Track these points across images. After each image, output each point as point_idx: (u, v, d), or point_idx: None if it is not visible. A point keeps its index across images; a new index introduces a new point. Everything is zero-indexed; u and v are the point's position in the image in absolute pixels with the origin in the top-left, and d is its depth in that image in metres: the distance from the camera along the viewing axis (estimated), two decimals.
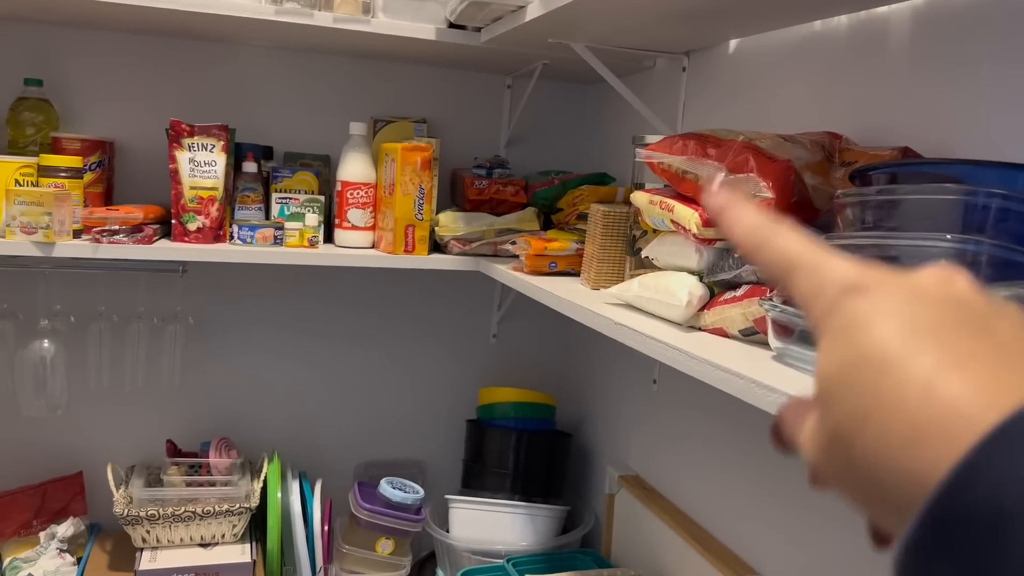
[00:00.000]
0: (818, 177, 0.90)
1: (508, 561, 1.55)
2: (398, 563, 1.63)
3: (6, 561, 1.48)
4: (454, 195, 1.72)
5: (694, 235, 0.93)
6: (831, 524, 1.07)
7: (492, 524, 1.64)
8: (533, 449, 1.71)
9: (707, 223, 0.91)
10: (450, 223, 1.57)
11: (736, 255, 0.91)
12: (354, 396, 1.83)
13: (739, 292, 0.90)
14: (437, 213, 1.59)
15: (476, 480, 1.72)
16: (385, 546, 1.62)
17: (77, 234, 1.38)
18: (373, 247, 1.58)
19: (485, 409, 1.78)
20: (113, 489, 1.51)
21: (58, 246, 1.32)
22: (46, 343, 1.47)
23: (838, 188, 0.86)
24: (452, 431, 1.88)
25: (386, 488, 1.64)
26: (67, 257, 1.33)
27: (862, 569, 1.01)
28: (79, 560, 1.52)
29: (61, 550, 1.51)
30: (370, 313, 1.82)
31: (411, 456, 1.88)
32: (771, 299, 0.80)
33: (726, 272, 0.92)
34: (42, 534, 1.52)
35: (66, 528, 1.54)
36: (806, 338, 0.77)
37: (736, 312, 0.88)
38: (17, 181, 1.34)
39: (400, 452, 1.87)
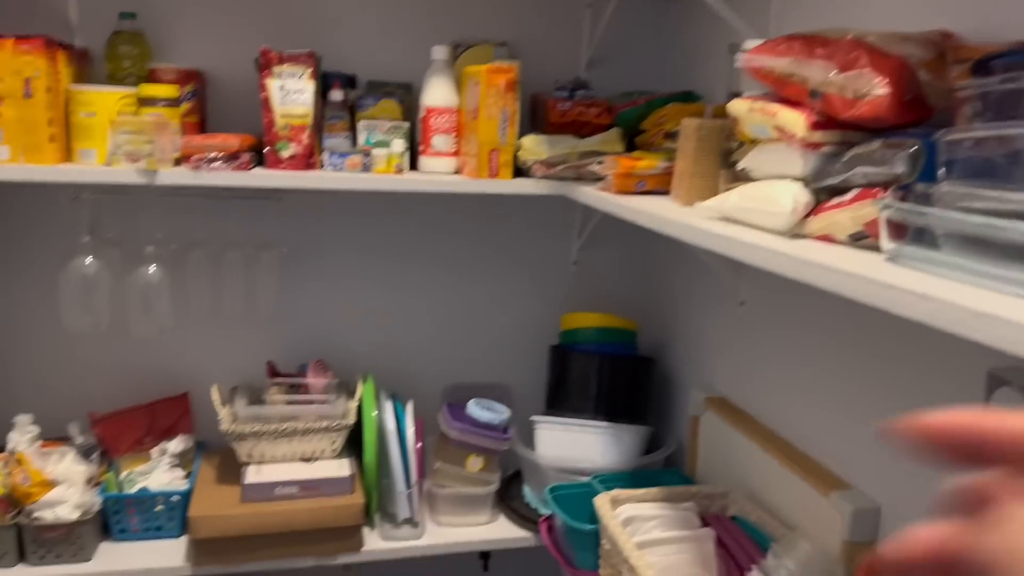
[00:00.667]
0: (932, 75, 0.87)
1: (594, 478, 1.58)
2: (487, 479, 1.68)
3: (123, 474, 1.58)
4: (535, 120, 1.71)
5: (800, 139, 0.91)
6: None
7: (577, 444, 1.68)
8: (616, 373, 1.72)
9: (815, 126, 0.89)
10: (533, 147, 1.56)
11: (845, 159, 0.89)
12: (440, 321, 1.87)
13: (848, 196, 0.88)
14: (519, 138, 1.59)
15: (560, 403, 1.76)
16: (475, 463, 1.68)
17: (177, 163, 1.43)
18: (457, 173, 1.60)
19: (567, 334, 1.80)
20: (219, 408, 1.59)
21: (160, 174, 1.37)
22: (151, 268, 1.54)
23: (954, 85, 0.82)
24: (535, 356, 1.91)
25: (474, 408, 1.69)
26: (168, 185, 1.38)
27: None
28: (189, 475, 1.62)
29: (172, 465, 1.61)
30: (454, 241, 1.84)
31: (496, 380, 1.92)
32: (886, 199, 0.79)
33: (833, 177, 0.90)
34: (154, 450, 1.61)
35: (176, 445, 1.63)
36: (921, 238, 0.76)
37: (845, 217, 0.87)
38: (119, 111, 1.39)
39: (485, 376, 1.91)
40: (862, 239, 0.86)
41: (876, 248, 0.84)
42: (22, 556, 1.46)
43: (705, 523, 1.39)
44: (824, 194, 0.92)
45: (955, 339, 0.63)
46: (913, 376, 1.10)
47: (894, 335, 1.13)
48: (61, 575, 1.44)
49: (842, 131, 0.91)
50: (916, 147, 0.82)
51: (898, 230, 0.78)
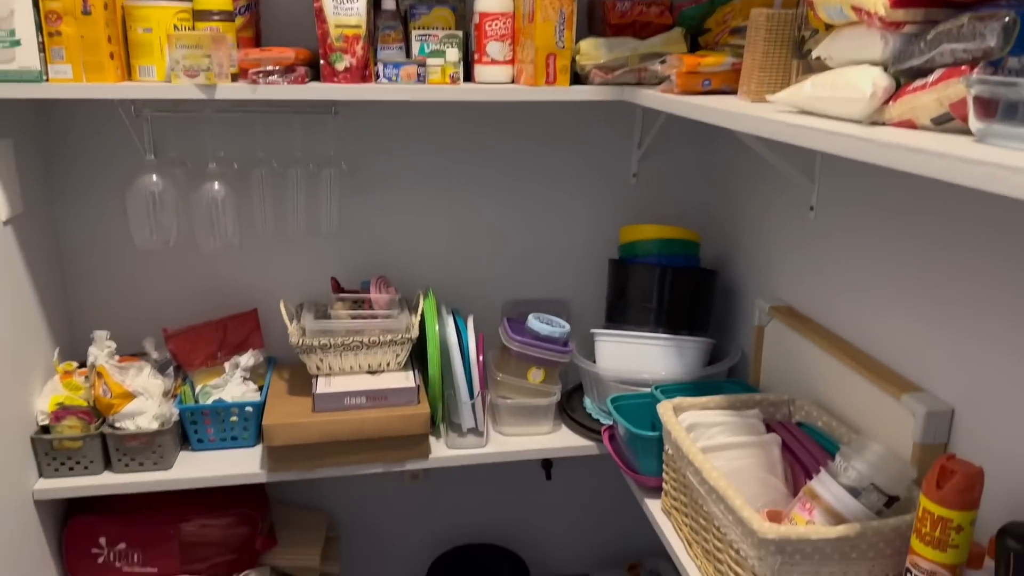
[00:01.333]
0: None
1: (656, 388, 1.58)
2: (548, 390, 1.70)
3: (198, 388, 1.64)
4: (592, 23, 1.65)
5: (880, 19, 0.86)
6: (999, 335, 1.02)
7: (637, 355, 1.67)
8: (677, 285, 1.70)
9: (896, 3, 0.84)
10: (591, 50, 1.52)
11: (929, 37, 0.84)
12: (498, 237, 1.86)
13: (932, 78, 0.83)
14: (576, 42, 1.54)
15: (620, 316, 1.74)
16: (536, 375, 1.69)
17: (234, 78, 1.42)
18: (513, 82, 1.56)
19: (627, 247, 1.78)
20: (287, 322, 1.63)
21: (219, 88, 1.37)
22: (216, 185, 1.56)
23: None
24: (594, 271, 1.90)
25: (534, 322, 1.69)
26: (227, 100, 1.38)
27: None
28: (261, 388, 1.67)
29: (244, 378, 1.66)
30: (511, 155, 1.82)
31: (555, 295, 1.92)
32: (975, 76, 0.74)
33: (916, 58, 0.85)
34: (226, 364, 1.67)
35: (247, 359, 1.68)
36: (1013, 115, 0.72)
37: (929, 99, 0.82)
38: (175, 26, 1.39)
39: (545, 291, 1.91)
40: (946, 122, 0.82)
41: (961, 131, 0.80)
42: (108, 464, 1.53)
43: (770, 430, 1.39)
44: (905, 77, 0.87)
45: None
46: (993, 270, 1.05)
47: (974, 227, 1.08)
48: (144, 482, 1.52)
49: (926, 8, 0.86)
50: (1009, 18, 0.76)
51: (988, 108, 0.73)
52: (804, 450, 1.32)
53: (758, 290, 1.69)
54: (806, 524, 1.10)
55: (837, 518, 1.10)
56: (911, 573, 1.00)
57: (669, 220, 1.84)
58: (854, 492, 1.10)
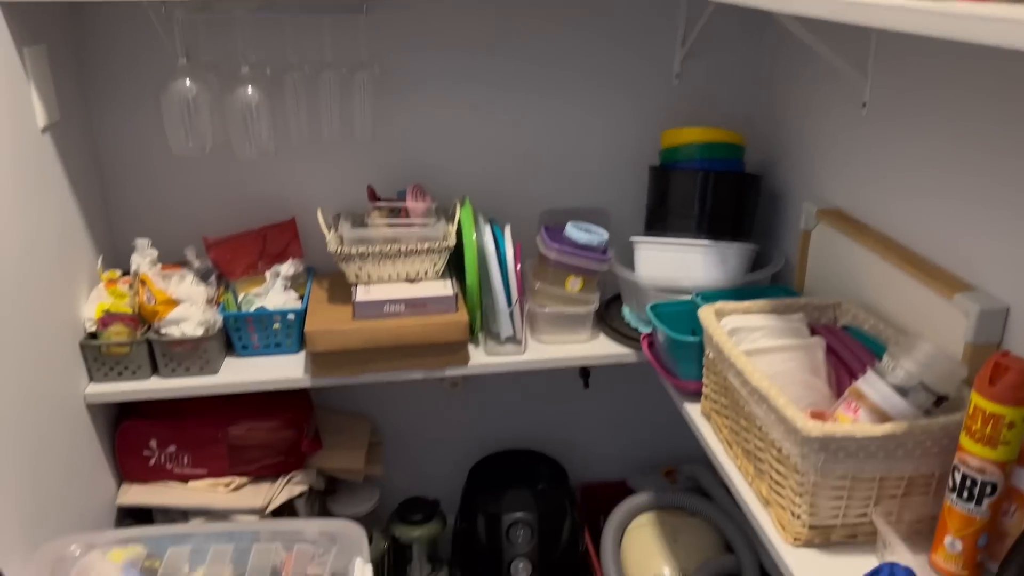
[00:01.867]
0: None
1: (697, 295, 1.56)
2: (587, 299, 1.69)
3: (240, 296, 1.66)
4: None
5: None
6: None
7: (678, 263, 1.64)
8: (720, 189, 1.65)
9: None
10: None
11: None
12: (535, 144, 1.82)
13: None
14: None
15: (660, 223, 1.71)
16: (574, 283, 1.68)
17: None
18: None
19: (668, 153, 1.73)
20: (325, 231, 1.62)
21: None
22: (249, 90, 1.54)
23: None
24: (634, 178, 1.85)
25: (572, 231, 1.67)
26: None
27: None
28: (302, 297, 1.68)
29: (285, 287, 1.68)
30: (548, 60, 1.76)
31: (594, 204, 1.88)
32: None
33: None
34: (267, 273, 1.68)
35: (288, 267, 1.69)
36: None
37: None
38: None
39: (583, 200, 1.88)
40: None
41: None
42: (155, 369, 1.57)
43: (814, 334, 1.36)
44: None
45: None
46: None
47: None
48: (191, 386, 1.56)
49: None
50: None
51: None
52: (850, 353, 1.29)
53: (804, 194, 1.65)
54: (851, 423, 1.09)
55: (883, 417, 1.08)
56: (959, 471, 0.99)
57: (713, 123, 1.78)
58: (902, 391, 1.08)
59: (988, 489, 0.97)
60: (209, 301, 1.60)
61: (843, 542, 1.10)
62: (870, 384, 1.11)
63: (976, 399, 0.95)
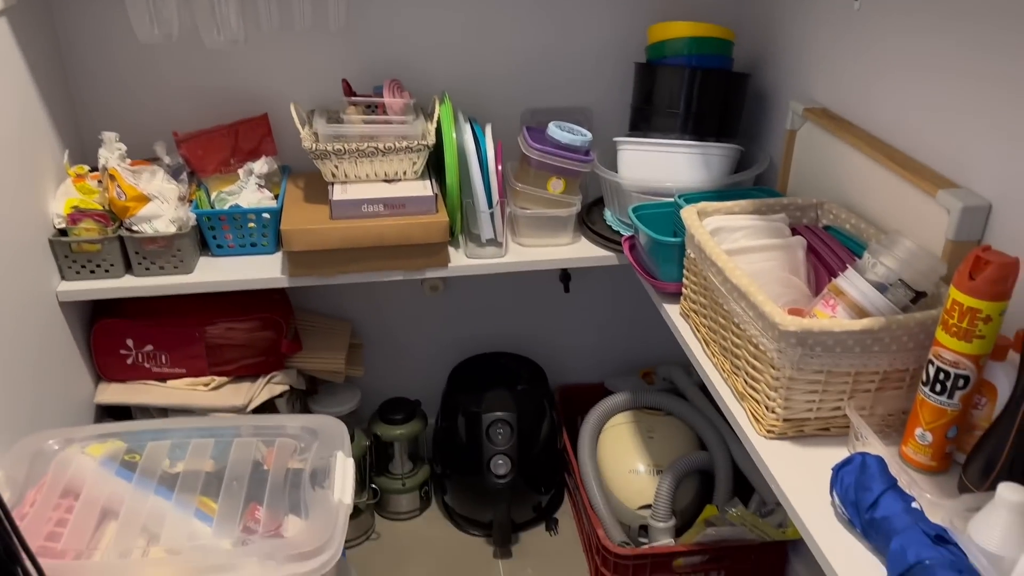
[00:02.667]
0: None
1: (679, 197, 1.54)
2: (568, 201, 1.66)
3: (213, 194, 1.62)
4: None
5: None
6: None
7: (661, 164, 1.61)
8: (707, 87, 1.61)
9: None
10: None
11: None
12: (518, 39, 1.76)
13: None
14: None
15: (645, 123, 1.67)
16: (556, 185, 1.65)
17: None
18: None
19: (655, 48, 1.67)
20: (299, 127, 1.57)
21: None
22: None
23: None
24: (619, 76, 1.80)
25: (554, 130, 1.63)
26: None
27: None
28: (277, 196, 1.64)
29: (259, 185, 1.63)
30: None
31: (577, 103, 1.84)
32: None
33: None
34: (240, 171, 1.63)
35: (261, 165, 1.64)
36: None
37: None
38: None
39: (566, 99, 1.83)
40: None
41: None
42: (128, 268, 1.54)
43: (796, 234, 1.36)
44: None
45: None
46: None
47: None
48: (166, 285, 1.53)
49: None
50: None
51: None
52: (831, 252, 1.29)
53: (791, 93, 1.61)
54: (828, 319, 1.10)
55: (861, 313, 1.09)
56: (933, 364, 1.00)
57: (702, 18, 1.72)
58: (880, 287, 1.09)
59: (961, 382, 0.98)
60: (181, 199, 1.56)
61: (816, 435, 1.13)
62: (849, 281, 1.11)
63: (954, 293, 0.95)
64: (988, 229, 1.10)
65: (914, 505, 0.93)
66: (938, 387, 1.00)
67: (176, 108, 1.68)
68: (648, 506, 1.74)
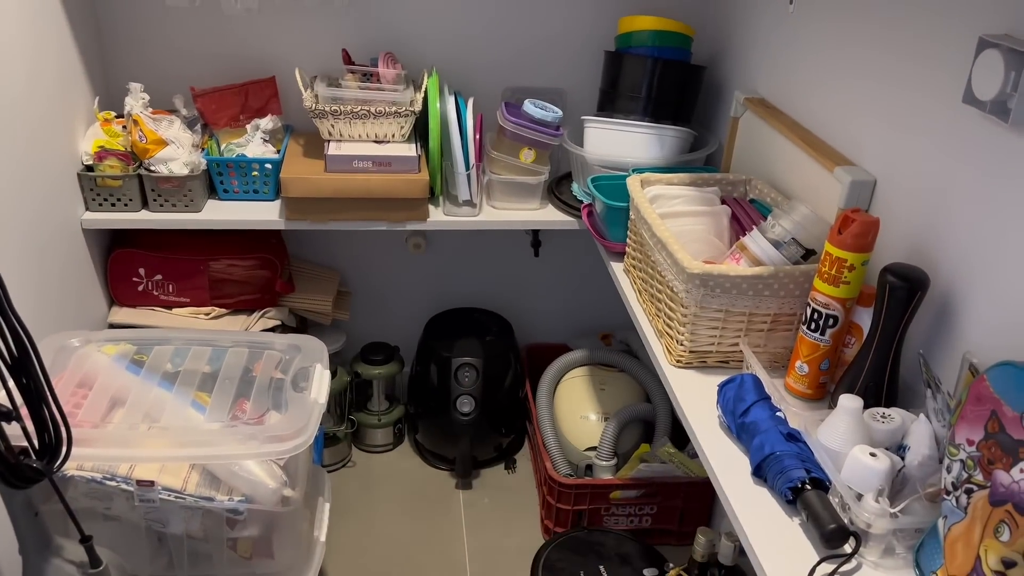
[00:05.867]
0: None
1: (633, 171, 1.74)
2: (538, 170, 1.87)
3: (223, 145, 1.83)
4: None
5: None
6: (920, 115, 1.16)
7: (622, 142, 1.81)
8: (667, 76, 1.81)
9: None
10: None
11: None
12: (503, 22, 1.96)
13: None
14: None
15: (611, 105, 1.87)
16: (527, 155, 1.85)
17: None
18: None
19: (623, 38, 1.88)
20: (302, 88, 1.78)
21: None
22: None
23: None
24: (591, 62, 2.00)
25: (529, 107, 1.83)
26: None
27: (947, 165, 1.12)
28: (279, 151, 1.85)
29: (264, 140, 1.84)
30: None
31: (552, 84, 2.04)
32: None
33: None
34: (248, 126, 1.84)
35: (267, 122, 1.85)
36: None
37: None
38: None
39: (542, 80, 2.03)
40: None
41: None
42: (145, 203, 1.75)
43: (725, 204, 1.56)
44: None
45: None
46: (928, 54, 1.17)
47: (920, 16, 1.19)
48: (177, 219, 1.74)
49: None
50: None
51: None
52: (750, 221, 1.50)
53: (738, 84, 1.81)
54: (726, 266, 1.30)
55: (759, 265, 1.29)
56: (810, 306, 1.20)
57: (668, 14, 1.92)
58: (777, 245, 1.29)
59: (831, 321, 1.19)
60: (195, 146, 1.77)
61: (717, 366, 1.33)
62: (752, 239, 1.32)
63: (828, 247, 1.16)
64: (874, 200, 1.31)
65: (778, 414, 1.14)
66: (813, 325, 1.20)
67: (194, 66, 1.89)
68: (594, 448, 1.95)
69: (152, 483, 1.25)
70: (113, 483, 1.25)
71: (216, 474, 1.32)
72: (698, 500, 1.92)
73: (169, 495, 1.27)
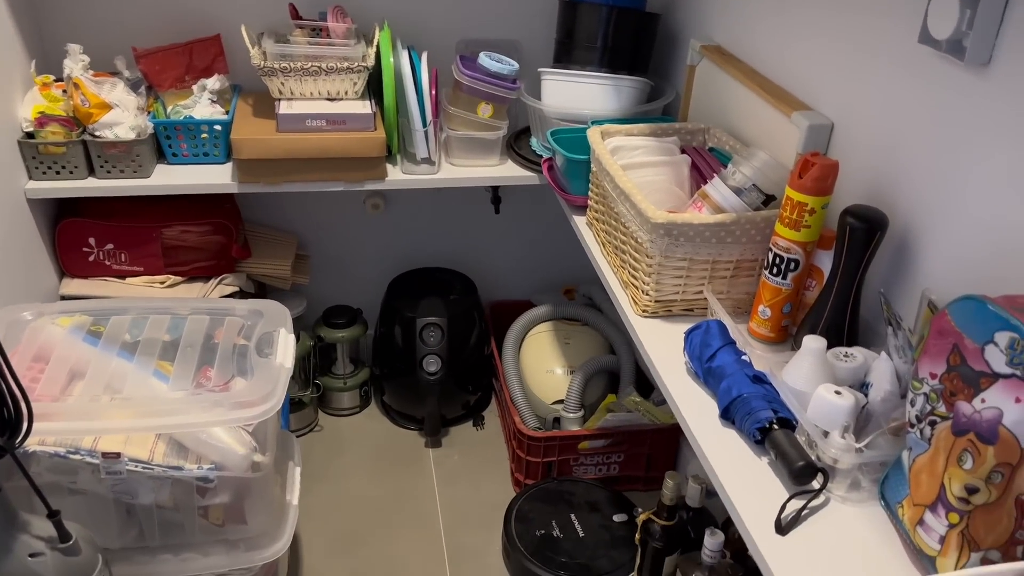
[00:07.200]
0: None
1: (592, 123, 1.73)
2: (496, 125, 1.84)
3: (169, 107, 1.77)
4: None
5: None
6: (876, 59, 1.17)
7: (579, 94, 1.80)
8: (621, 25, 1.79)
9: None
10: None
11: None
12: None
13: None
14: None
15: (567, 56, 1.85)
16: (485, 110, 1.83)
17: None
18: None
19: None
20: (249, 46, 1.72)
21: None
22: None
23: None
24: (546, 12, 1.97)
25: (485, 59, 1.80)
26: None
27: (894, 115, 1.13)
28: (228, 112, 1.80)
29: (212, 100, 1.78)
30: None
31: (507, 36, 2.00)
32: None
33: None
34: (195, 86, 1.78)
35: (213, 82, 1.79)
36: None
37: None
38: None
39: (496, 32, 2.00)
40: None
41: None
42: (91, 171, 1.69)
43: (684, 153, 1.56)
44: None
45: None
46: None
47: None
48: (125, 186, 1.69)
49: None
50: None
51: None
52: (709, 169, 1.50)
53: (694, 32, 1.80)
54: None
55: (721, 213, 1.30)
56: (772, 251, 1.22)
57: None
58: (738, 192, 1.30)
59: (792, 265, 1.20)
60: (140, 109, 1.71)
61: (682, 314, 1.35)
62: (713, 186, 1.33)
63: (788, 191, 1.17)
64: (831, 144, 1.32)
65: (744, 357, 1.16)
66: (775, 270, 1.22)
67: (136, 25, 1.81)
68: (561, 401, 1.97)
69: (118, 455, 1.23)
70: (78, 456, 1.22)
71: (184, 443, 1.30)
72: (664, 446, 1.96)
73: (136, 466, 1.25)
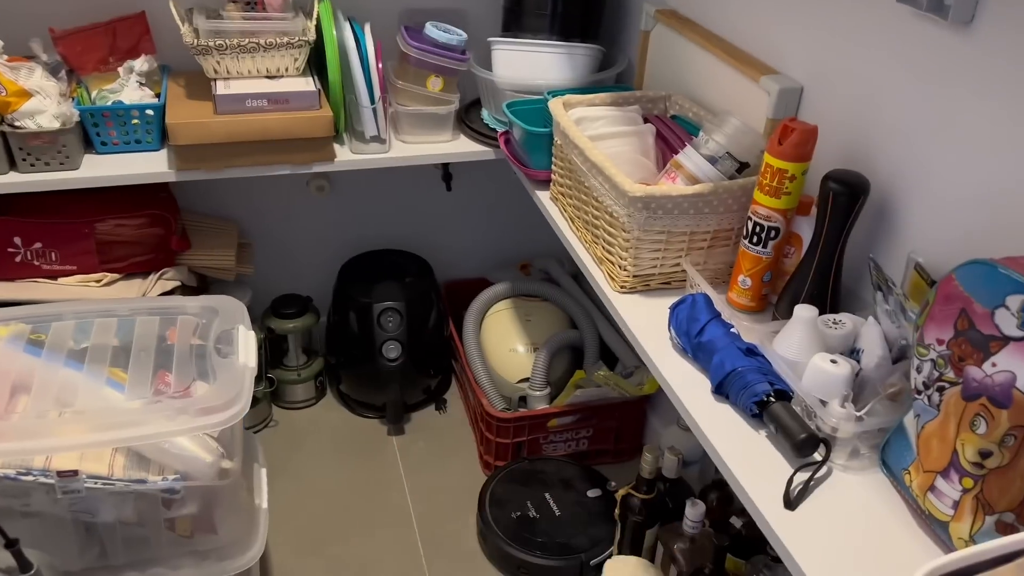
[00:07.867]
0: None
1: (548, 93, 1.68)
2: (447, 99, 1.77)
3: (94, 92, 1.64)
4: None
5: None
6: (844, 22, 1.15)
7: (532, 63, 1.74)
8: None
9: None
10: None
11: None
12: None
13: None
14: None
15: (516, 23, 1.79)
16: (435, 83, 1.76)
17: None
18: None
19: None
20: (178, 23, 1.60)
21: None
22: None
23: None
24: None
25: (432, 30, 1.73)
26: None
27: (863, 48, 1.12)
28: (158, 95, 1.67)
29: (140, 83, 1.66)
30: None
31: (451, 4, 1.93)
32: None
33: None
34: (120, 69, 1.65)
35: (141, 63, 1.66)
36: None
37: None
38: None
39: (441, 0, 1.92)
40: None
41: None
42: (13, 164, 1.55)
43: (647, 122, 1.53)
44: None
45: None
46: None
47: None
48: (52, 180, 1.56)
49: None
50: None
51: None
52: (675, 137, 1.47)
53: None
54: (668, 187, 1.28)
55: (695, 182, 1.27)
56: (751, 220, 1.20)
57: None
58: (712, 160, 1.28)
59: (772, 233, 1.19)
60: (63, 95, 1.57)
61: (660, 288, 1.32)
62: (686, 156, 1.30)
63: (767, 158, 1.15)
64: (801, 107, 1.31)
65: (732, 330, 1.14)
66: (755, 239, 1.20)
67: (51, 4, 1.66)
68: (526, 379, 1.93)
69: (75, 472, 1.14)
70: (30, 478, 1.12)
71: (144, 454, 1.22)
72: (632, 419, 1.96)
73: (95, 483, 1.16)
